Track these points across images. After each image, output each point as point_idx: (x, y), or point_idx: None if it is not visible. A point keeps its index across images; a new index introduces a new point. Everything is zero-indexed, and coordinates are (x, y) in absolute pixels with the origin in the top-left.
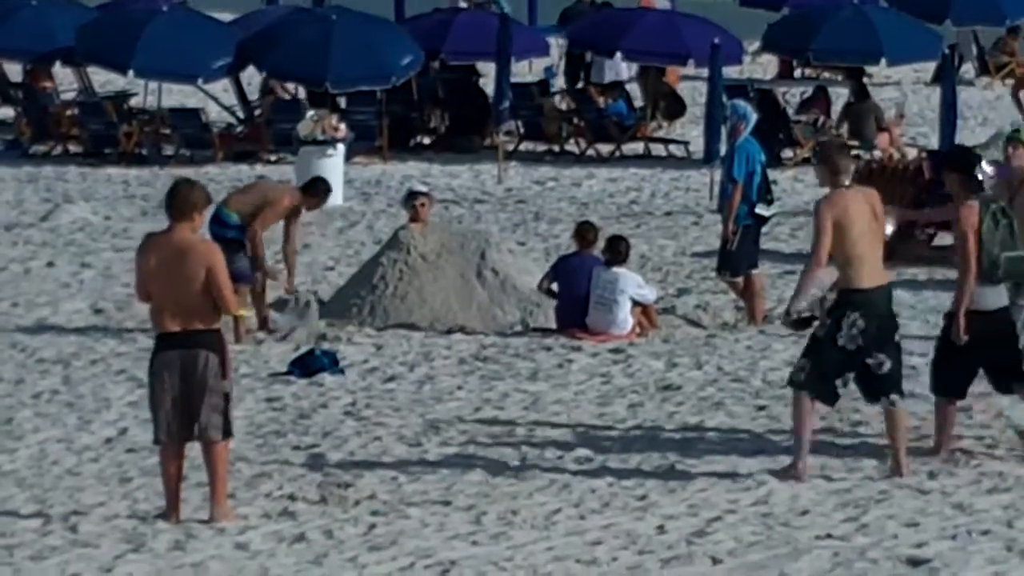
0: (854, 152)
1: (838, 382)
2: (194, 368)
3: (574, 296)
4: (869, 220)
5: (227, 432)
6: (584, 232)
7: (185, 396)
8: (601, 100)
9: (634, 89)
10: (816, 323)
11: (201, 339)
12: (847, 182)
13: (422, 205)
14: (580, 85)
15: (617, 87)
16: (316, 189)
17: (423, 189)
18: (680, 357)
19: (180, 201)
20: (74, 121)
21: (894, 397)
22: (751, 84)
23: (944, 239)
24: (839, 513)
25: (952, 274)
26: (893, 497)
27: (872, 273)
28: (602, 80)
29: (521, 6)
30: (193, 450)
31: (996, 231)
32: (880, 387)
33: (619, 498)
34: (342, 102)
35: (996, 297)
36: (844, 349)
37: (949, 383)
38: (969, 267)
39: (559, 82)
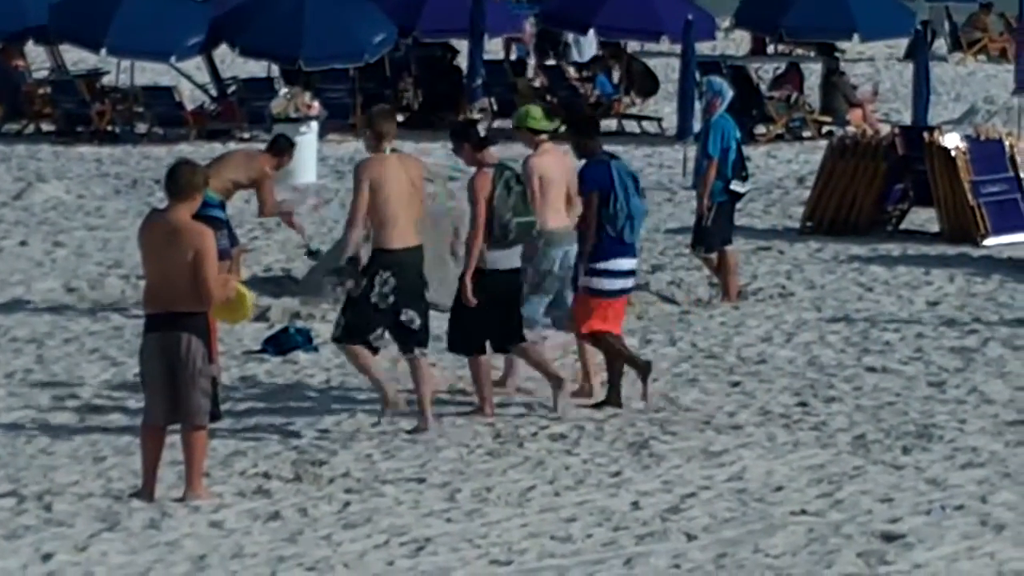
0: (826, 128)
1: (372, 336)
2: (177, 351)
3: None
4: (405, 185)
5: (215, 416)
6: None
7: (169, 379)
8: (576, 78)
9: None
10: (351, 280)
11: (185, 322)
12: (388, 147)
13: None
14: (551, 62)
15: (599, 62)
16: (280, 148)
17: None
18: (654, 333)
19: (180, 182)
20: (47, 99)
21: (420, 351)
22: (724, 60)
23: (911, 222)
24: (813, 489)
25: (925, 248)
26: (867, 473)
27: (403, 235)
28: (581, 58)
29: None
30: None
31: (508, 197)
32: (409, 340)
33: (593, 475)
34: (315, 80)
35: (508, 259)
36: (376, 306)
37: (464, 341)
38: (479, 231)
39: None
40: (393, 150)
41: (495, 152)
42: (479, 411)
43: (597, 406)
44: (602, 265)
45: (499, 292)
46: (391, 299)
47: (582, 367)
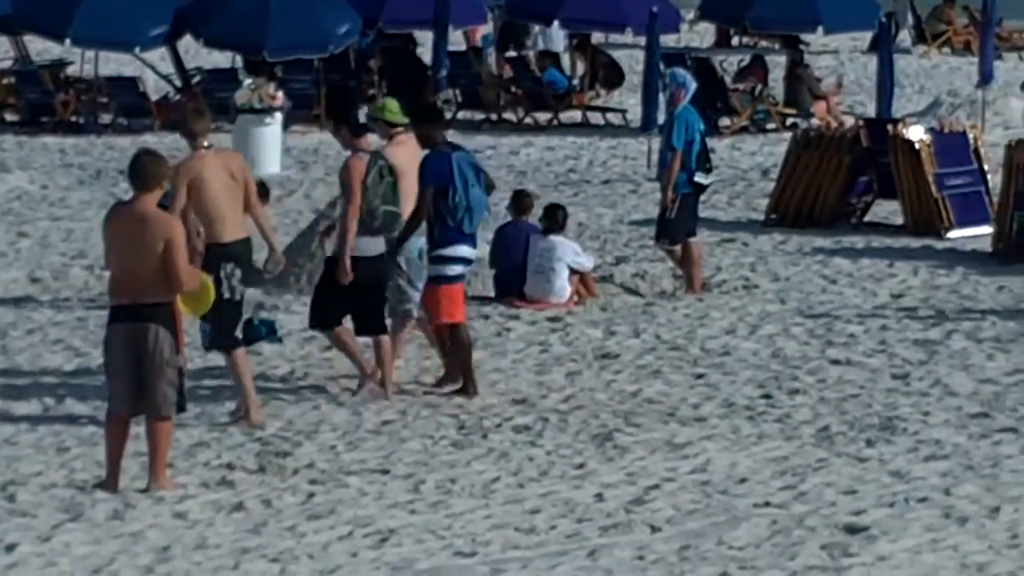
0: (791, 121)
1: (236, 332)
2: (144, 342)
3: (511, 264)
4: (226, 180)
5: (181, 407)
6: (519, 200)
7: (135, 370)
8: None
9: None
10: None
11: (152, 313)
12: (204, 144)
13: None
14: (512, 54)
15: (549, 56)
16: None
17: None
18: (618, 325)
19: (142, 172)
20: (10, 90)
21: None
22: (689, 52)
23: (875, 214)
24: (777, 481)
25: (889, 241)
26: (831, 465)
27: (232, 228)
28: (550, 48)
29: None
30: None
31: (379, 185)
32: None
33: (557, 466)
34: (279, 70)
35: (374, 245)
36: (232, 300)
37: (324, 317)
38: (351, 214)
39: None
40: (209, 146)
41: (370, 140)
42: (365, 384)
43: (456, 393)
44: (444, 252)
45: (360, 277)
46: (243, 289)
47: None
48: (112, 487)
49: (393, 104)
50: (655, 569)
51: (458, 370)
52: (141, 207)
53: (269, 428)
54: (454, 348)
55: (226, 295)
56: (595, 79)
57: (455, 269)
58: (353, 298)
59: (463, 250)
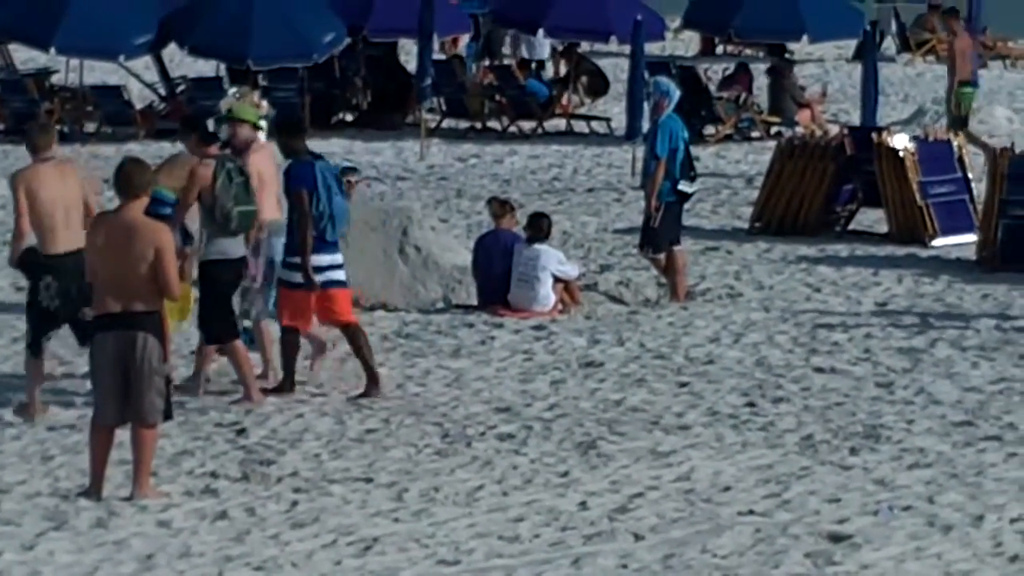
0: (775, 129)
1: (43, 340)
2: (132, 350)
3: (492, 274)
4: (61, 191)
5: (167, 415)
6: (494, 208)
7: (123, 379)
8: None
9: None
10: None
11: (140, 321)
12: (45, 156)
13: (350, 182)
14: (490, 62)
15: (529, 65)
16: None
17: (354, 166)
18: (602, 334)
19: (128, 180)
20: None
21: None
22: (673, 61)
23: (860, 223)
24: (761, 489)
25: (874, 249)
26: (815, 473)
27: (65, 240)
28: (533, 56)
29: None
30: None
31: (230, 187)
32: (86, 335)
33: (541, 475)
34: (264, 79)
35: (235, 247)
36: (47, 309)
37: (217, 331)
38: (180, 216)
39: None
40: (49, 159)
41: (216, 149)
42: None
43: (274, 391)
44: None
45: (225, 280)
46: (58, 301)
47: (263, 355)
48: (96, 495)
49: (248, 106)
50: None
51: (363, 371)
52: (129, 215)
53: (253, 437)
54: (285, 349)
55: (44, 303)
56: (576, 84)
57: (318, 277)
58: (220, 302)
59: (325, 259)
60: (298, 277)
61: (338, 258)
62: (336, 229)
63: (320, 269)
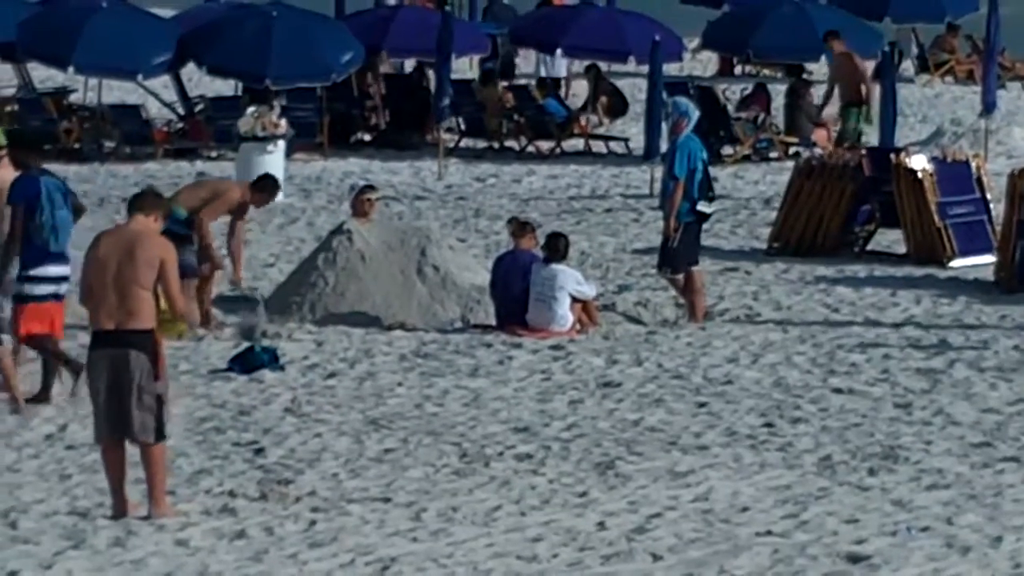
0: (793, 149)
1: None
2: (125, 368)
3: (510, 294)
4: None
5: (160, 435)
6: (514, 228)
7: (115, 396)
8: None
9: (581, 86)
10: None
11: (133, 339)
12: None
13: (370, 200)
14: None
15: (546, 84)
16: (265, 185)
17: (372, 185)
18: (620, 354)
19: (142, 196)
20: (14, 117)
21: None
22: (691, 81)
23: (878, 243)
24: (779, 510)
25: (892, 270)
26: (833, 494)
27: None
28: (551, 75)
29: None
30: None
31: None
32: None
33: (559, 495)
34: (282, 99)
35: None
36: None
37: None
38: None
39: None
40: None
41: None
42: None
43: (30, 401)
44: (32, 272)
45: None
46: None
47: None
48: (121, 512)
49: None
50: None
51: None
52: (136, 227)
53: (271, 456)
54: (42, 360)
55: None
56: (596, 105)
57: (43, 288)
58: None
59: (51, 270)
60: (39, 288)
61: (64, 270)
62: (59, 240)
63: (42, 281)
